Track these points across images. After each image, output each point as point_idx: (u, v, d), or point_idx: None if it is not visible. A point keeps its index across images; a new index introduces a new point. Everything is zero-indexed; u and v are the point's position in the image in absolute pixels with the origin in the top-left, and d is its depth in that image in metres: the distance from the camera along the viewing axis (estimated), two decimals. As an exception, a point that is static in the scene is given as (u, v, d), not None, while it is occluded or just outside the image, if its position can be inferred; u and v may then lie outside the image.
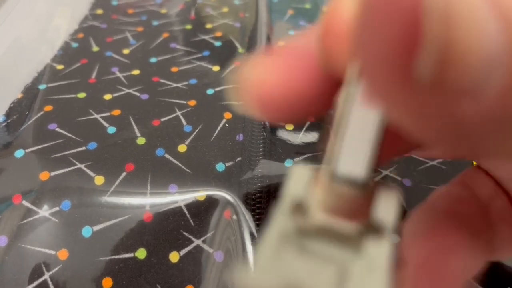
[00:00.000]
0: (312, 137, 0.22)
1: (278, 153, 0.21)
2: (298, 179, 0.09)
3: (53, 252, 0.18)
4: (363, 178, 0.08)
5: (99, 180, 0.20)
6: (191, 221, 0.19)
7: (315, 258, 0.08)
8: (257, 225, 0.19)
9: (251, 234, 0.18)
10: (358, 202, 0.09)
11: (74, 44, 0.27)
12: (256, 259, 0.08)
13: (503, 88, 0.06)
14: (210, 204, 0.19)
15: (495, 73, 0.06)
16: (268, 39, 0.28)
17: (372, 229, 0.08)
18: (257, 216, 0.19)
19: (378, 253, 0.08)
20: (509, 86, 0.06)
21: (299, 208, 0.09)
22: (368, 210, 0.09)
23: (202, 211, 0.19)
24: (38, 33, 0.28)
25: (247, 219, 0.19)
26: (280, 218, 0.08)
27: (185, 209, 0.19)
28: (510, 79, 0.06)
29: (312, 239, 0.08)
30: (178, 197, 0.19)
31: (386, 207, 0.08)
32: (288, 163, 0.21)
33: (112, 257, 0.18)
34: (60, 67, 0.25)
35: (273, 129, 0.22)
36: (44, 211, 0.19)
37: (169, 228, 0.19)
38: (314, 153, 0.21)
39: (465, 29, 0.06)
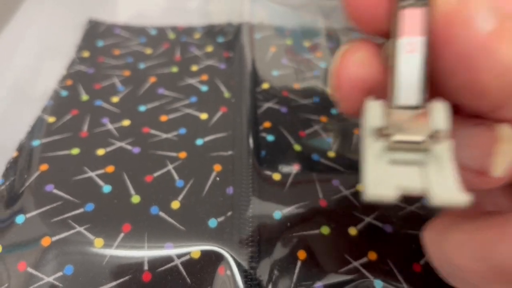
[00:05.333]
0: (299, 188, 0.23)
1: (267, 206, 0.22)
2: (373, 111, 0.12)
3: None
4: (417, 103, 0.12)
5: (98, 242, 0.21)
6: (187, 279, 0.20)
7: (402, 165, 0.12)
8: (250, 280, 0.20)
9: None
10: (420, 119, 0.12)
11: (64, 93, 0.28)
12: (366, 176, 0.11)
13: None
14: (205, 261, 0.20)
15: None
16: (255, 82, 0.28)
17: (434, 135, 0.12)
18: (250, 271, 0.20)
19: (442, 150, 0.12)
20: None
21: (379, 132, 0.12)
22: (428, 122, 0.12)
23: (198, 269, 0.20)
24: (27, 83, 0.29)
25: (239, 274, 0.20)
26: (368, 144, 0.12)
27: (181, 268, 0.20)
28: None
29: (395, 153, 0.12)
30: (175, 256, 0.20)
31: (440, 116, 0.12)
32: (277, 215, 0.22)
33: None
34: (51, 119, 0.26)
35: (261, 180, 0.23)
36: (49, 277, 0.20)
37: (167, 287, 0.20)
38: (302, 203, 0.22)
39: None
